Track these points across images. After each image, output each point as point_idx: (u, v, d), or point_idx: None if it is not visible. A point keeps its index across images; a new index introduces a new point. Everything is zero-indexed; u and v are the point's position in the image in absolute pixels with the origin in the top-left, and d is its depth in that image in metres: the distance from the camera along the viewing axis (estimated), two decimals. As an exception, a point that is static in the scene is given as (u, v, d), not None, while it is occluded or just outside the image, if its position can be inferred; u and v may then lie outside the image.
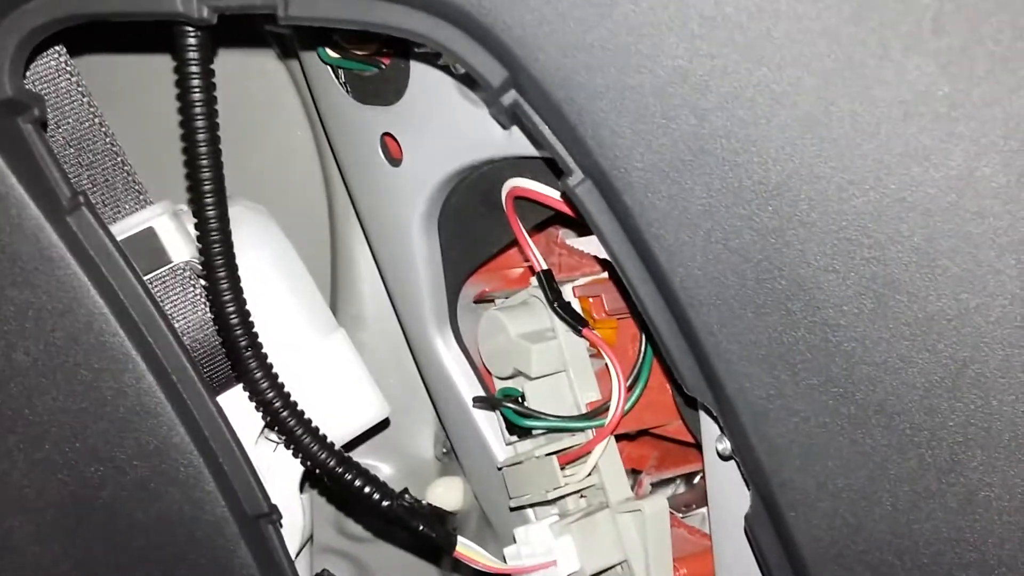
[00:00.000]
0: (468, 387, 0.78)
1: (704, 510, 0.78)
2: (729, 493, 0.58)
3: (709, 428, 0.59)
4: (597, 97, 0.49)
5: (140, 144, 0.73)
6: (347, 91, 0.72)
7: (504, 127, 0.60)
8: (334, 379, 0.73)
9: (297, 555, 0.73)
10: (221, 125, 0.62)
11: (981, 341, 0.45)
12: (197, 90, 0.57)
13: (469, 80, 0.60)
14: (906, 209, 0.45)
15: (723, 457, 0.57)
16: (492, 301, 0.77)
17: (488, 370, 0.77)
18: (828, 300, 0.47)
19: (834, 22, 0.44)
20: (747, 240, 0.48)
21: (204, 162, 0.59)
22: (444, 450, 0.94)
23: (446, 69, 0.63)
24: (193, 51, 0.56)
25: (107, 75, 0.80)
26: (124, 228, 0.67)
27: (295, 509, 0.72)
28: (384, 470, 0.95)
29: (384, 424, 0.78)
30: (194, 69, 0.57)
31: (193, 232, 0.65)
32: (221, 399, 0.69)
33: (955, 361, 0.46)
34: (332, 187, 0.91)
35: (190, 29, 0.56)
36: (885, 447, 0.48)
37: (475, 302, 0.78)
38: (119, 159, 0.68)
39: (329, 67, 0.72)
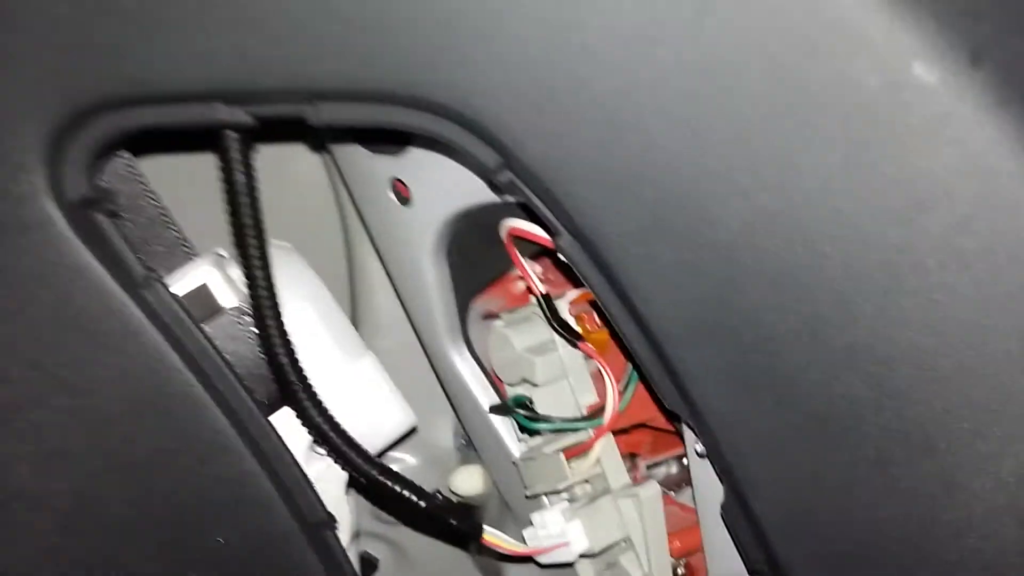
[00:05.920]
0: (483, 393, 0.84)
1: (694, 487, 0.86)
2: (710, 485, 0.64)
3: (689, 432, 0.66)
4: (576, 180, 0.56)
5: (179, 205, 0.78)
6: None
7: (501, 198, 0.68)
8: (366, 398, 0.78)
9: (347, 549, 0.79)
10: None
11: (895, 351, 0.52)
12: (243, 186, 0.65)
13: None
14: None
15: (700, 456, 0.65)
16: (499, 316, 0.84)
17: (499, 378, 0.84)
18: (771, 332, 0.54)
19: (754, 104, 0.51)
20: (706, 287, 0.55)
21: (252, 241, 0.67)
22: (463, 440, 0.97)
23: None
24: (237, 150, 0.64)
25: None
26: (180, 283, 0.74)
27: (345, 511, 0.77)
28: (409, 460, 1.01)
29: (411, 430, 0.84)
30: (239, 165, 0.65)
31: (236, 279, 0.72)
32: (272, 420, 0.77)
33: (873, 382, 0.53)
34: (344, 207, 0.96)
35: (233, 133, 0.64)
36: (834, 449, 0.55)
37: (483, 318, 0.85)
38: (170, 226, 0.75)
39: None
